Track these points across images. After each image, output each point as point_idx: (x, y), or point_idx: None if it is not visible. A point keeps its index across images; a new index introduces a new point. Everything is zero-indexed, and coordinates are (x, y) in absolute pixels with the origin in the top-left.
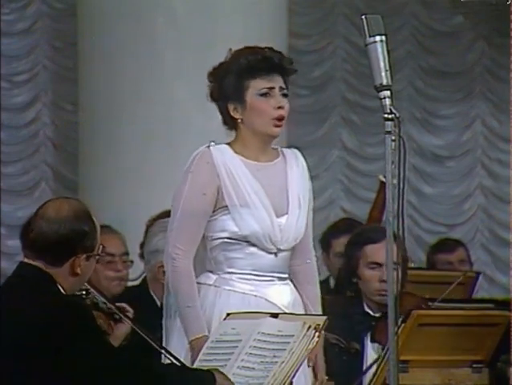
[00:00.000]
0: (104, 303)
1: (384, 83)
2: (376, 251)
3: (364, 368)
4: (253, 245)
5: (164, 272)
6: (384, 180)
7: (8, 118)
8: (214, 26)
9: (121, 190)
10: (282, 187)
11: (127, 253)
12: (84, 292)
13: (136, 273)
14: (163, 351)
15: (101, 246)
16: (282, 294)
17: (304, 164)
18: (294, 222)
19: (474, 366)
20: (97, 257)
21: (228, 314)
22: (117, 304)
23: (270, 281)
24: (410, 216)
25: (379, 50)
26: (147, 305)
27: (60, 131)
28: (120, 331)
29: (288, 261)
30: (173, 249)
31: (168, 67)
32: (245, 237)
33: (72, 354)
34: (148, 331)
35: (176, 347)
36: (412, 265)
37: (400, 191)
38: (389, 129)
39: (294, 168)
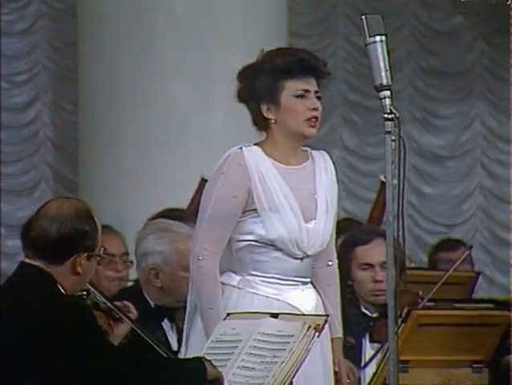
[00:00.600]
0: (104, 303)
1: (384, 83)
2: (367, 252)
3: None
4: (280, 249)
5: (155, 274)
6: (384, 180)
7: (8, 118)
8: (214, 26)
9: (121, 190)
10: (311, 191)
11: (127, 254)
12: (85, 292)
13: (135, 273)
14: (161, 351)
15: (102, 248)
16: (305, 299)
17: (332, 167)
18: (322, 227)
19: (474, 366)
20: (98, 258)
21: (228, 314)
22: (121, 302)
23: (293, 286)
24: (410, 216)
25: (379, 50)
26: (141, 307)
27: (60, 131)
28: (120, 331)
29: (311, 266)
30: (200, 249)
31: (168, 67)
32: (271, 241)
33: (73, 354)
34: (147, 331)
35: (195, 347)
36: (413, 265)
37: (400, 191)
38: (389, 129)
39: (323, 172)
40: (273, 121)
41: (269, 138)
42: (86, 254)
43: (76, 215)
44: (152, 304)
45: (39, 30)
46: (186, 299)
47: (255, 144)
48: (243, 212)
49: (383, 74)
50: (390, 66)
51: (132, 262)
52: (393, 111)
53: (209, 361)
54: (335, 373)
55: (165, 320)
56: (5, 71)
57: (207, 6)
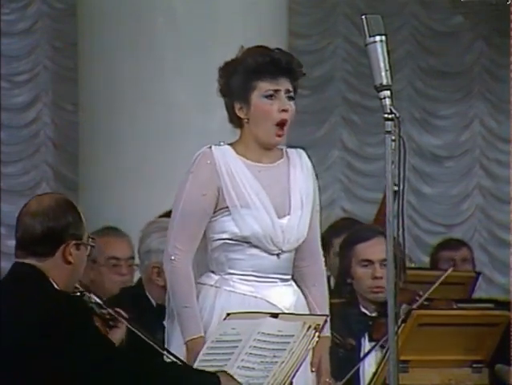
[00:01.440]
0: (100, 307)
1: (384, 82)
2: (367, 248)
3: (361, 369)
4: (255, 246)
5: (158, 272)
6: (395, 188)
7: (8, 118)
8: (214, 26)
9: (121, 190)
10: (284, 188)
11: (132, 258)
12: (79, 294)
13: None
14: (165, 353)
15: (90, 238)
16: (283, 296)
17: (309, 164)
18: (297, 223)
19: (474, 366)
20: (88, 246)
21: (228, 314)
22: (112, 309)
23: (271, 283)
24: (409, 216)
25: (379, 50)
26: (143, 306)
27: (61, 131)
28: (115, 337)
29: (291, 262)
30: (173, 249)
31: (168, 67)
32: (245, 238)
33: (71, 351)
34: (148, 333)
35: (178, 348)
36: (413, 265)
37: (400, 191)
38: (389, 129)
39: (298, 169)
40: (245, 120)
41: (242, 137)
42: (74, 242)
43: (57, 206)
44: (153, 303)
45: (40, 30)
46: None
47: (228, 144)
48: (215, 211)
49: (383, 74)
50: (390, 66)
51: (137, 266)
52: (393, 111)
53: (229, 374)
54: (317, 371)
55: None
56: (5, 71)
57: (207, 6)
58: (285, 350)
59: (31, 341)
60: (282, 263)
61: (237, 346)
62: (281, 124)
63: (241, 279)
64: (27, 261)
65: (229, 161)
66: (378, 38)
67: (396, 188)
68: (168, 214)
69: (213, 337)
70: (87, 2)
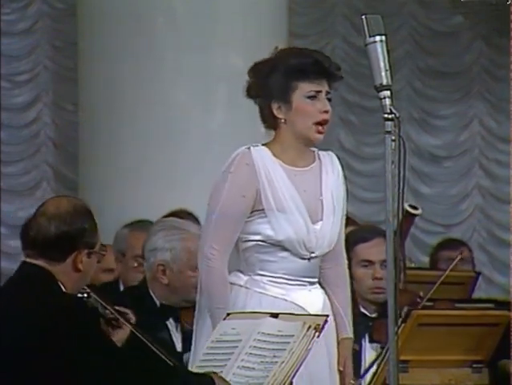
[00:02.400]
0: (104, 308)
1: (384, 82)
2: (367, 249)
3: (363, 369)
4: (286, 249)
5: (163, 271)
6: (409, 209)
7: (9, 118)
8: (214, 26)
9: (121, 190)
10: (318, 193)
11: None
12: (85, 295)
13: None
14: (163, 356)
15: (100, 245)
16: (312, 299)
17: (340, 168)
18: (329, 229)
19: (474, 366)
20: (99, 255)
21: (228, 314)
22: (119, 308)
23: (301, 286)
24: None
25: (379, 50)
26: (146, 305)
27: (61, 131)
28: (119, 337)
29: (319, 265)
30: (209, 249)
31: (168, 68)
32: (279, 241)
33: (74, 353)
34: (151, 333)
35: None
36: (413, 265)
37: (400, 191)
38: (389, 129)
39: (330, 174)
40: (283, 121)
41: (277, 138)
42: (86, 251)
43: (75, 212)
44: (157, 303)
45: (40, 30)
46: (191, 299)
47: (263, 145)
48: (251, 212)
49: (383, 74)
50: (390, 66)
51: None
52: (393, 111)
53: (221, 377)
54: (340, 372)
55: (170, 319)
56: (5, 71)
57: (207, 6)
58: (285, 350)
59: (35, 341)
60: (312, 267)
61: (237, 346)
62: (321, 124)
63: (271, 281)
64: (37, 262)
65: (267, 163)
66: (378, 38)
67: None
68: (172, 215)
69: (213, 337)
70: (87, 2)
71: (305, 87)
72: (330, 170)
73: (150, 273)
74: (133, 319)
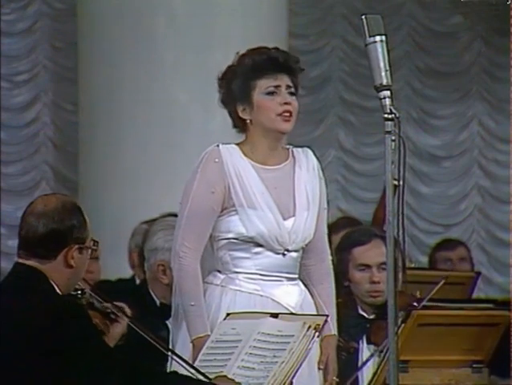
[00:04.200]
0: (100, 302)
1: (384, 82)
2: (364, 253)
3: (362, 369)
4: (260, 245)
5: (163, 270)
6: (396, 183)
7: (8, 118)
8: (214, 26)
9: (121, 190)
10: (290, 189)
11: None
12: (79, 291)
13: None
14: (169, 353)
15: (92, 241)
16: (289, 295)
17: (315, 163)
18: (302, 224)
19: (474, 366)
20: (90, 250)
21: (228, 314)
22: (115, 303)
23: (277, 281)
24: (407, 217)
25: (379, 50)
26: (146, 305)
27: (60, 131)
28: (117, 331)
29: (298, 261)
30: (181, 247)
31: (168, 68)
32: (251, 238)
33: (69, 354)
34: (150, 331)
35: (183, 347)
36: (413, 266)
37: (400, 190)
38: (389, 129)
39: (304, 169)
40: (248, 121)
41: (247, 138)
42: (77, 246)
43: (63, 209)
44: (157, 302)
45: (40, 30)
46: None
47: (235, 144)
48: (221, 210)
49: (383, 74)
50: (390, 66)
51: None
52: (393, 111)
53: (226, 376)
54: (323, 370)
55: (170, 319)
56: (5, 71)
57: (207, 6)
58: (285, 350)
59: (27, 343)
60: (288, 262)
61: (237, 346)
62: (284, 114)
63: (246, 278)
64: (29, 262)
65: (236, 161)
66: (378, 38)
67: (395, 183)
68: (172, 215)
69: (213, 337)
70: (87, 2)
71: (262, 84)
72: (304, 166)
73: (150, 273)
74: (129, 313)
